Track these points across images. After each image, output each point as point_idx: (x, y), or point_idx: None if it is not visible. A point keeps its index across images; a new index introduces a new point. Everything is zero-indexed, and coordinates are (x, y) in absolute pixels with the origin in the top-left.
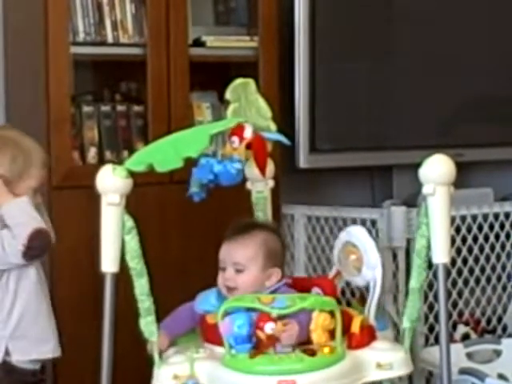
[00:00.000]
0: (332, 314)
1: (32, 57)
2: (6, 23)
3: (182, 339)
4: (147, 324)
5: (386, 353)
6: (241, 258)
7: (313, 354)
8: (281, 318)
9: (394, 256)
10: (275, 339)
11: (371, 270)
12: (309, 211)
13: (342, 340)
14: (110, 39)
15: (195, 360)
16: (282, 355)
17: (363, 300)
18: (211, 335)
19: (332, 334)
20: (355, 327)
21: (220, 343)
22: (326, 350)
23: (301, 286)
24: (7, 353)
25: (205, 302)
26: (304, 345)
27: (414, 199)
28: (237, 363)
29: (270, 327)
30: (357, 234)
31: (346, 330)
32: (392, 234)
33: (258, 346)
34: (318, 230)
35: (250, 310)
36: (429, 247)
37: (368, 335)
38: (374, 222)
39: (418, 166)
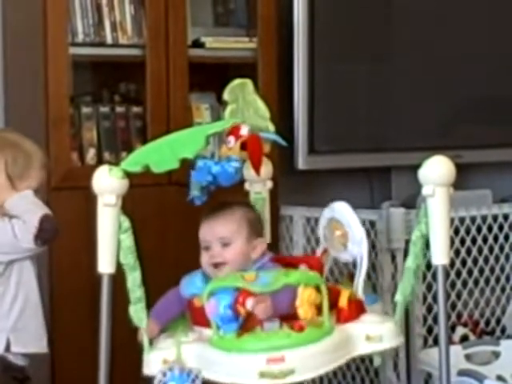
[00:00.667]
0: (318, 289)
1: (31, 57)
2: (5, 24)
3: (172, 324)
4: (136, 311)
5: (375, 325)
6: (226, 232)
7: (300, 329)
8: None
9: (393, 257)
10: (255, 316)
11: (357, 245)
12: (307, 212)
13: (329, 314)
14: (109, 40)
15: (182, 343)
16: (270, 332)
17: (353, 276)
18: (199, 318)
19: (319, 308)
20: (343, 302)
21: (208, 325)
22: (314, 324)
23: (287, 263)
24: (7, 346)
25: (191, 285)
26: (292, 321)
27: (412, 201)
28: (224, 343)
29: (250, 304)
30: (340, 210)
31: (334, 304)
32: (391, 235)
33: (244, 324)
34: (316, 231)
35: (235, 289)
36: (425, 240)
37: (356, 309)
38: (372, 224)
39: (416, 167)
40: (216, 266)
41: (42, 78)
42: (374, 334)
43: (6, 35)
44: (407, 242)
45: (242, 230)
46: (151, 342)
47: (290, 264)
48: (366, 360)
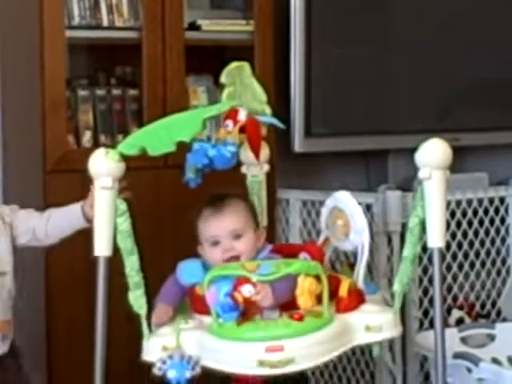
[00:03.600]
0: (318, 278)
1: (27, 41)
2: (1, 7)
3: None
4: (136, 298)
5: (374, 315)
6: (238, 225)
7: (300, 318)
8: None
9: (389, 240)
10: (253, 303)
11: (359, 235)
12: (304, 195)
13: (329, 304)
14: (105, 23)
15: (182, 330)
16: (269, 321)
17: (353, 265)
18: (200, 306)
19: (319, 298)
20: (343, 291)
21: (208, 313)
22: (313, 314)
23: (287, 252)
24: None
25: (192, 274)
26: (291, 310)
27: (409, 184)
28: (224, 331)
29: (247, 290)
30: (343, 199)
31: (334, 294)
32: (387, 218)
33: (244, 313)
34: (313, 214)
35: (235, 277)
36: (422, 227)
37: (356, 299)
38: (369, 207)
39: (413, 150)
40: (230, 259)
41: (38, 60)
42: (373, 324)
43: (2, 18)
44: (403, 225)
45: (249, 221)
46: (151, 329)
47: (291, 253)
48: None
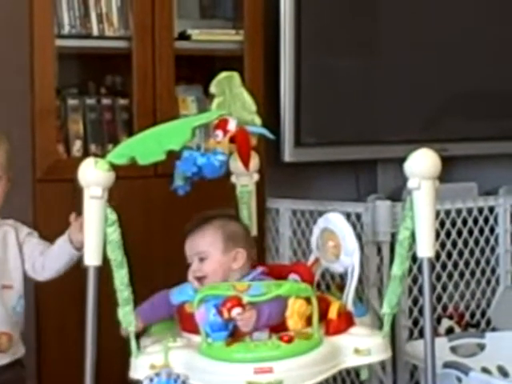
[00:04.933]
0: (308, 300)
1: (17, 49)
2: None
3: (158, 328)
4: (125, 314)
5: (363, 338)
6: (201, 246)
7: (289, 340)
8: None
9: (379, 250)
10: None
11: (349, 257)
12: (294, 205)
13: (318, 326)
14: (95, 32)
15: (170, 349)
16: (258, 342)
17: (342, 286)
18: (188, 324)
19: (309, 320)
20: (332, 313)
21: (197, 332)
22: (303, 336)
23: (278, 273)
24: None
25: (182, 293)
26: (281, 332)
27: (398, 193)
28: (213, 351)
29: (236, 312)
30: (334, 221)
31: (324, 316)
32: (377, 228)
33: (234, 333)
34: (302, 223)
35: (226, 297)
36: (412, 239)
37: (346, 321)
38: (358, 216)
39: (402, 160)
40: (199, 279)
41: (28, 69)
42: (362, 347)
43: None
44: (393, 234)
45: (216, 241)
46: (138, 347)
47: (280, 274)
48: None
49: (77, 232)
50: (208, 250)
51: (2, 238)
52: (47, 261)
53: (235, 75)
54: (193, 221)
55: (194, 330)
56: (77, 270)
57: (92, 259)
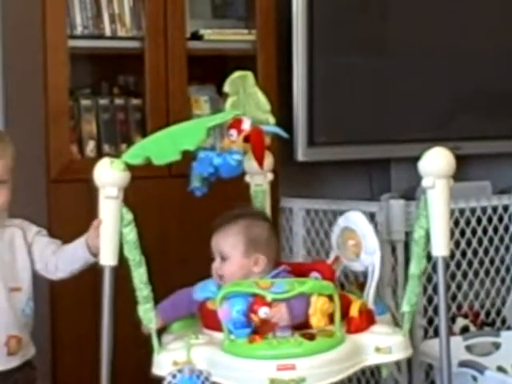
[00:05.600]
0: (330, 298)
1: (30, 50)
2: (4, 17)
3: (179, 325)
4: (145, 311)
5: (384, 337)
6: (224, 246)
7: (312, 338)
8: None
9: (393, 249)
10: (269, 323)
11: (370, 256)
12: (307, 204)
13: (340, 324)
14: (107, 32)
15: (192, 346)
16: (281, 339)
17: (362, 285)
18: (211, 321)
19: (331, 318)
20: (354, 311)
21: (219, 329)
22: (325, 334)
23: (299, 271)
24: None
25: (204, 289)
26: (303, 329)
27: (412, 192)
28: (236, 348)
29: (263, 311)
30: (355, 220)
31: (345, 314)
32: (391, 227)
33: (256, 330)
34: (316, 223)
35: (248, 295)
36: (427, 238)
37: (367, 319)
38: (372, 215)
39: (415, 159)
40: (220, 277)
41: (41, 70)
42: (383, 345)
43: (5, 28)
44: (407, 233)
45: (238, 244)
46: (161, 343)
47: (301, 272)
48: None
49: (96, 238)
50: (229, 251)
51: (9, 240)
52: (60, 261)
53: (249, 75)
54: (221, 217)
55: (216, 326)
56: (92, 269)
57: (108, 259)
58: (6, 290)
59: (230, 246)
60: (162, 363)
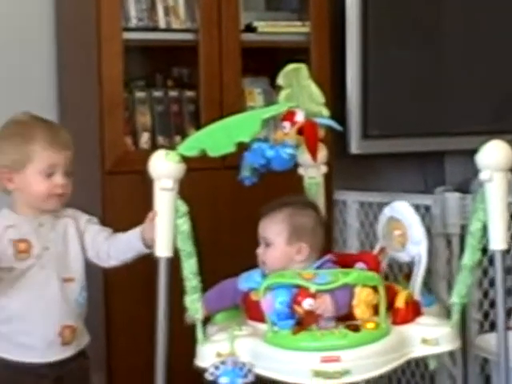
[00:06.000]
0: (375, 289)
1: (85, 43)
2: (58, 10)
3: (222, 316)
4: (193, 301)
5: (431, 328)
6: (268, 233)
7: (356, 329)
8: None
9: (448, 243)
10: (313, 315)
11: (416, 246)
12: (361, 197)
13: (386, 315)
14: (162, 25)
15: (236, 337)
16: (325, 331)
17: (408, 276)
18: (254, 312)
19: (376, 309)
20: (400, 302)
21: (263, 320)
22: (370, 325)
23: (344, 262)
24: None
25: (249, 279)
26: (347, 320)
27: (466, 185)
28: (279, 340)
29: (308, 303)
30: (401, 210)
31: (391, 305)
32: (446, 220)
33: (300, 322)
34: (370, 215)
35: (292, 286)
36: (484, 231)
37: (413, 311)
38: (427, 208)
39: (470, 152)
40: (262, 262)
41: (95, 63)
42: (430, 337)
43: (60, 21)
44: (463, 227)
45: (282, 232)
46: (204, 334)
47: (347, 262)
48: None
49: (151, 230)
50: (273, 238)
51: (63, 231)
52: (112, 250)
53: (303, 67)
54: (269, 204)
55: (260, 318)
56: (146, 258)
57: (163, 251)
58: (60, 280)
59: (273, 233)
60: (206, 355)
